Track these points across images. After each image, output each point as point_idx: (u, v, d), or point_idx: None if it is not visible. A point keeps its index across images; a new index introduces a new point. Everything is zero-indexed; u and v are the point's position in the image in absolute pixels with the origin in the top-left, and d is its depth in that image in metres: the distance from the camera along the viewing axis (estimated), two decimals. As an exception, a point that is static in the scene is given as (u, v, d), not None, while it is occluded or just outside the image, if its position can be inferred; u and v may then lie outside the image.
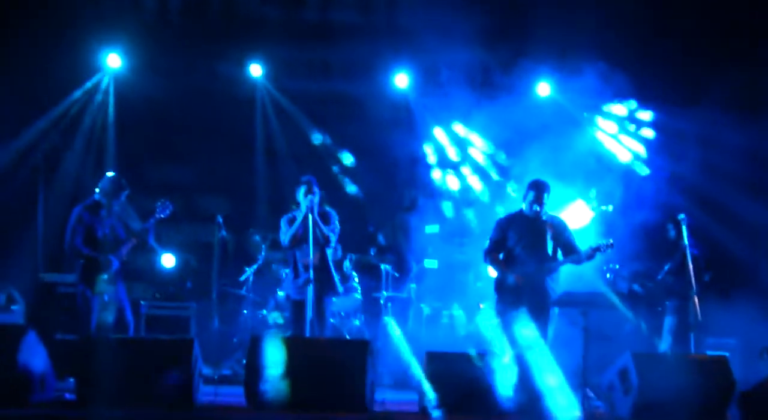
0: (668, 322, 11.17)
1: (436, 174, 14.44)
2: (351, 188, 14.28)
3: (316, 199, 10.32)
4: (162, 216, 10.53)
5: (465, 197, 14.21)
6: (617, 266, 11.87)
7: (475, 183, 14.22)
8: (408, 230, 14.32)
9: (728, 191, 13.36)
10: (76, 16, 13.20)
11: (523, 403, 8.63)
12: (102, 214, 10.37)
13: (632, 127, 13.93)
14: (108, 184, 10.48)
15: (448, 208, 14.09)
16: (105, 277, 10.18)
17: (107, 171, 11.22)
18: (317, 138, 14.36)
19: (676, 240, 10.95)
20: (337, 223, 10.55)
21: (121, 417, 7.97)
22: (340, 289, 10.75)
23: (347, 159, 14.37)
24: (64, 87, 13.56)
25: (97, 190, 10.50)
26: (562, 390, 8.96)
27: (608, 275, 11.80)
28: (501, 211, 12.12)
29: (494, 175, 14.10)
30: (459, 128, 14.34)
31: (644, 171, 13.72)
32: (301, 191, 10.37)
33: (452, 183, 14.36)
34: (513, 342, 9.47)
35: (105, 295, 10.16)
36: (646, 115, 13.84)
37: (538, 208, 9.96)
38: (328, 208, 10.64)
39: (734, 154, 13.30)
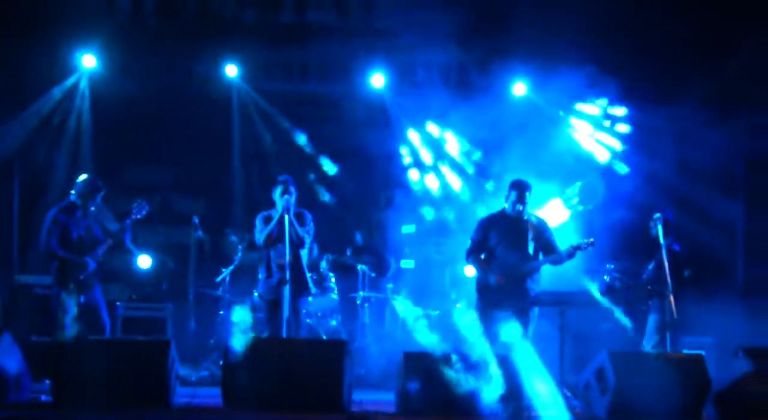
0: (652, 320, 11.17)
1: (412, 173, 14.44)
2: (326, 196, 14.26)
3: (293, 199, 10.28)
4: (138, 217, 10.49)
5: (442, 197, 14.21)
6: (611, 266, 11.84)
7: (454, 182, 14.22)
8: (384, 229, 14.35)
9: (703, 189, 13.45)
10: (50, 15, 13.12)
11: (508, 406, 8.61)
12: (77, 215, 10.34)
13: (607, 123, 13.93)
14: (83, 186, 10.44)
15: (426, 211, 14.10)
16: (81, 278, 10.17)
17: (83, 172, 11.17)
18: (301, 139, 14.34)
19: (657, 238, 10.97)
20: (312, 224, 10.52)
21: (97, 419, 7.92)
22: (313, 289, 10.70)
23: (329, 167, 14.35)
24: (38, 87, 13.48)
25: (72, 191, 10.45)
26: (548, 390, 8.98)
27: (606, 277, 11.72)
28: (481, 210, 12.14)
29: (471, 174, 14.10)
30: (436, 128, 14.34)
31: (622, 169, 13.73)
32: (278, 191, 10.33)
33: (429, 182, 14.35)
34: (495, 342, 9.47)
35: (81, 297, 10.14)
36: (621, 113, 13.83)
37: (521, 208, 9.96)
38: (304, 210, 10.59)
39: (709, 152, 13.36)
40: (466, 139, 14.12)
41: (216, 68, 13.99)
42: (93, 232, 10.41)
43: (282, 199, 10.23)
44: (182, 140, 14.27)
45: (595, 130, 13.91)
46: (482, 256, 10.12)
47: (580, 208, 12.91)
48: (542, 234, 10.07)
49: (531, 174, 10.63)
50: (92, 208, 10.45)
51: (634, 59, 13.31)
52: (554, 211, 12.63)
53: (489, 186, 13.55)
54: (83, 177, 10.61)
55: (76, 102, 13.77)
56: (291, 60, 14.43)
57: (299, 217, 10.36)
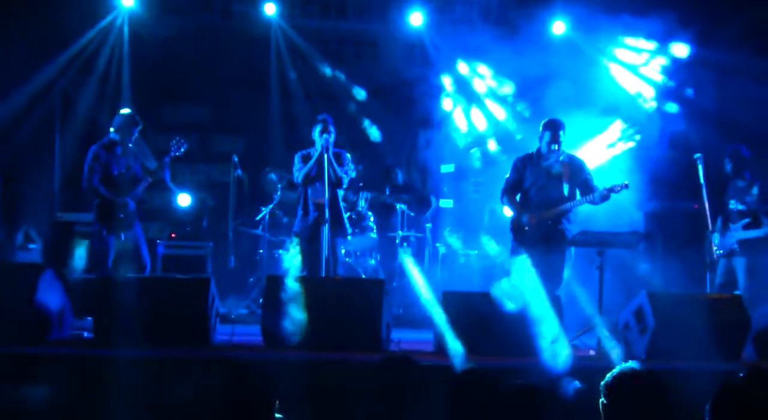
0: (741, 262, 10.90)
1: (451, 110, 14.33)
2: (374, 131, 14.21)
3: (332, 138, 10.26)
4: (177, 154, 10.48)
5: (485, 131, 14.10)
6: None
7: (498, 113, 14.08)
8: (424, 167, 14.32)
9: (749, 128, 13.23)
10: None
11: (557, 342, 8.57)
12: (118, 152, 10.34)
13: (646, 56, 13.70)
14: (121, 120, 10.44)
15: (469, 148, 14.01)
16: (122, 216, 10.22)
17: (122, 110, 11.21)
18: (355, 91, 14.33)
19: (732, 176, 10.81)
20: (351, 163, 10.51)
21: (138, 355, 7.99)
22: (349, 230, 10.74)
23: (359, 94, 14.29)
24: (78, 27, 13.44)
25: (111, 128, 10.47)
26: (600, 328, 8.98)
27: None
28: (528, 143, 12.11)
29: (511, 102, 13.98)
30: (476, 65, 14.20)
31: (671, 107, 13.53)
32: (317, 130, 10.33)
33: (472, 118, 14.25)
34: (531, 283, 9.41)
35: (122, 235, 10.21)
36: (665, 49, 13.60)
37: (555, 147, 9.83)
38: (342, 150, 10.57)
39: (754, 90, 13.14)
40: (506, 76, 13.96)
41: (254, 6, 13.89)
42: (133, 170, 10.41)
43: (321, 137, 10.23)
44: (220, 79, 14.29)
45: (640, 68, 13.70)
46: (517, 197, 10.05)
47: (633, 143, 12.78)
48: (578, 174, 9.92)
49: (572, 113, 10.52)
50: (131, 145, 10.46)
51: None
52: (594, 151, 12.53)
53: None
54: (122, 112, 10.63)
55: (115, 41, 13.72)
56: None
57: (338, 157, 10.36)
